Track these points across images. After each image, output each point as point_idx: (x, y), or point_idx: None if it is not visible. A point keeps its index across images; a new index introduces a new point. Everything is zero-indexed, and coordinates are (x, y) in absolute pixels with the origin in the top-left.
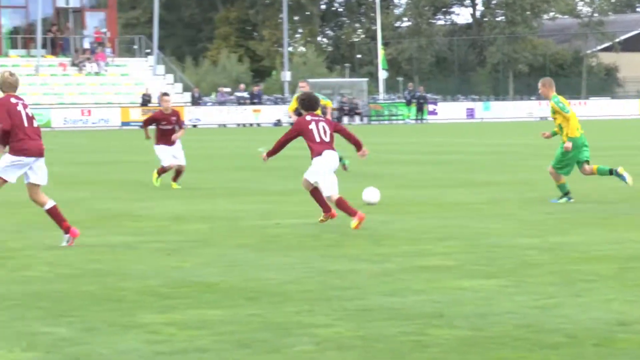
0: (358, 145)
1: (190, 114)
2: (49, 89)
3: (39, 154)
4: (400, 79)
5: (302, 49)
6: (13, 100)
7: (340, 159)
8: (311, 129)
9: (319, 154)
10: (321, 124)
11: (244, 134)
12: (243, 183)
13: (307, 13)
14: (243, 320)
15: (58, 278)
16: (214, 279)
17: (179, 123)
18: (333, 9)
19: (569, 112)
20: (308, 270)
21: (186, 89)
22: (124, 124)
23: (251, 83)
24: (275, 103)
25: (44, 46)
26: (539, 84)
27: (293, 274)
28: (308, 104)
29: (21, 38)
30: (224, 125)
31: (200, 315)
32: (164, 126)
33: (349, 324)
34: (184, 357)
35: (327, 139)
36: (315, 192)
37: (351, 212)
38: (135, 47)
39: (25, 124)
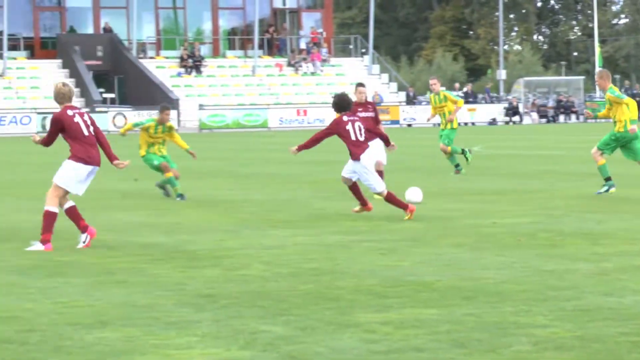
0: (386, 140)
1: (404, 114)
2: (265, 89)
3: (97, 163)
4: (617, 76)
5: (517, 47)
6: (69, 112)
7: (464, 152)
8: (348, 130)
9: (358, 157)
10: (357, 124)
11: (459, 133)
12: (457, 182)
13: (523, 11)
14: (459, 319)
15: (275, 277)
16: (430, 278)
17: (376, 116)
18: (549, 6)
19: (625, 98)
20: (524, 270)
21: (401, 88)
22: None
23: (466, 82)
24: (491, 102)
25: (260, 47)
26: (596, 77)
27: (509, 274)
28: (341, 105)
29: (238, 39)
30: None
31: (416, 314)
32: (360, 113)
33: (567, 324)
34: (400, 357)
35: (363, 138)
36: (354, 187)
37: (402, 206)
38: (351, 46)
39: (85, 134)
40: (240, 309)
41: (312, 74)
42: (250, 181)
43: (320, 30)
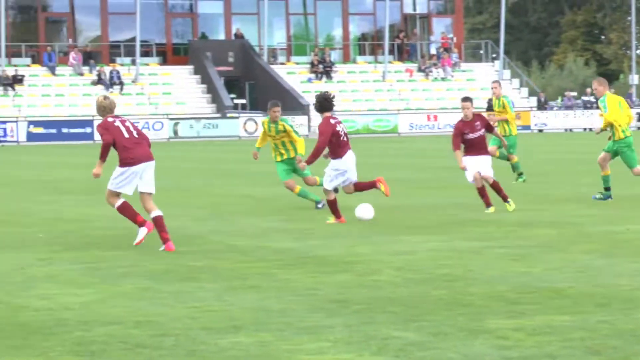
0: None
1: (535, 119)
2: (395, 94)
3: (146, 158)
4: None
5: None
6: (110, 119)
7: (520, 174)
8: (338, 131)
9: (341, 156)
10: (341, 125)
11: (591, 139)
12: (590, 188)
13: None
14: (592, 326)
15: (406, 283)
16: (562, 285)
17: (489, 128)
18: None
19: (607, 112)
20: None
21: (532, 93)
22: None
23: None
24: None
25: (391, 52)
26: (594, 83)
27: None
28: (325, 105)
29: (369, 45)
30: (570, 130)
31: (548, 320)
32: (468, 135)
33: None
34: None
35: (346, 139)
36: (334, 202)
37: (337, 215)
38: (482, 52)
39: (126, 136)
40: (372, 314)
41: (443, 79)
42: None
43: (451, 35)
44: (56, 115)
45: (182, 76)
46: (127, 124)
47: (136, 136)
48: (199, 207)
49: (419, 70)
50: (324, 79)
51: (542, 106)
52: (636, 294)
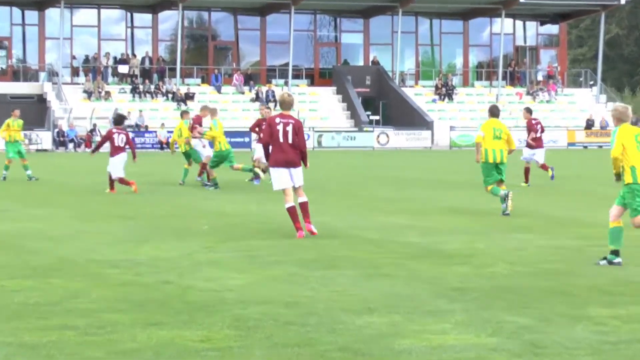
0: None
1: None
2: (507, 114)
3: (286, 165)
4: None
5: None
6: (277, 119)
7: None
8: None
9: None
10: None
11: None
12: None
13: None
14: None
15: (517, 274)
16: None
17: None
18: None
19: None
20: None
21: None
22: (570, 144)
23: None
24: None
25: (503, 78)
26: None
27: None
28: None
29: (485, 71)
30: None
31: None
32: None
33: None
34: (627, 347)
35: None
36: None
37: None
38: (581, 79)
39: (280, 140)
40: (488, 301)
41: (548, 101)
42: None
43: (556, 64)
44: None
45: (327, 95)
46: (289, 127)
47: (290, 142)
48: (341, 206)
49: (528, 93)
50: (446, 100)
51: (634, 124)
52: None
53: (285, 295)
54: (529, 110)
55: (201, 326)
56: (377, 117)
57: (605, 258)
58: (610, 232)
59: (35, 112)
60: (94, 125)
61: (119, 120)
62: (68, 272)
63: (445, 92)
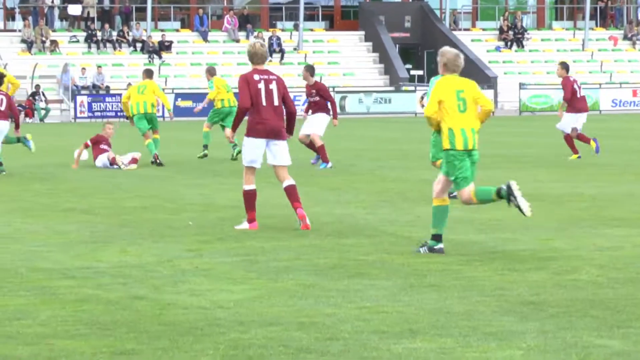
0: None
1: None
2: (596, 66)
3: (267, 135)
4: None
5: None
6: (256, 76)
7: None
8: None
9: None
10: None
11: None
12: None
13: None
14: None
15: (610, 283)
16: None
17: None
18: None
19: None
20: None
21: None
22: None
23: None
24: None
25: (592, 17)
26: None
27: None
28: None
29: (567, 8)
30: None
31: None
32: None
33: None
34: None
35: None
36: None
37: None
38: None
39: (263, 103)
40: (570, 319)
41: None
42: (577, 172)
43: None
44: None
45: (351, 43)
46: (272, 85)
47: (275, 105)
48: (370, 194)
49: (625, 38)
50: (514, 47)
51: None
52: None
53: (298, 314)
54: (564, 66)
55: (187, 355)
56: (420, 72)
57: (424, 244)
58: (433, 211)
59: None
60: (37, 87)
61: None
62: (5, 286)
63: (513, 37)
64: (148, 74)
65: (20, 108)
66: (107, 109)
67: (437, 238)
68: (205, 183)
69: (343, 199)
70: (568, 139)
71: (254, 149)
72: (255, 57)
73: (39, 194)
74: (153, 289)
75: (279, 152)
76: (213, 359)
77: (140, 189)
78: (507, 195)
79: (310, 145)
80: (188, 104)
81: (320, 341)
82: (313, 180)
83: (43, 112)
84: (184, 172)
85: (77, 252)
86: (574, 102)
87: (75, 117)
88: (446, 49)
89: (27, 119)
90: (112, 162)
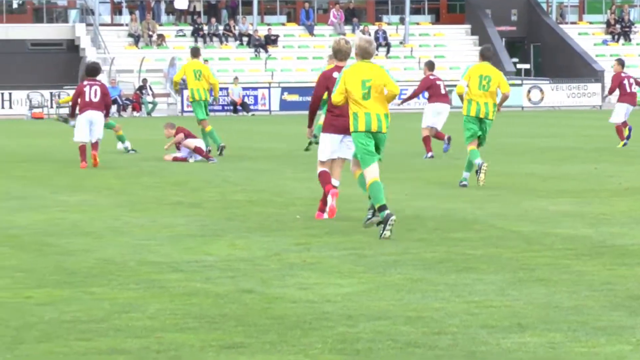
0: None
1: None
2: None
3: (345, 131)
4: None
5: None
6: (335, 74)
7: None
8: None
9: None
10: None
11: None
12: None
13: None
14: None
15: None
16: None
17: None
18: None
19: None
20: None
21: None
22: None
23: None
24: None
25: None
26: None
27: None
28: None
29: None
30: None
31: None
32: None
33: None
34: None
35: None
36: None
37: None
38: None
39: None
40: None
41: None
42: None
43: None
44: (314, 82)
45: (458, 37)
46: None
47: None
48: (477, 188)
49: None
50: (622, 41)
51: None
52: None
53: (406, 308)
54: (620, 62)
55: (294, 349)
56: (526, 66)
57: (370, 218)
58: (370, 189)
59: (65, 63)
60: (144, 81)
61: (91, 71)
62: (115, 279)
63: (620, 30)
64: (194, 53)
65: (127, 102)
66: (213, 103)
67: (383, 208)
68: (313, 177)
69: (448, 193)
70: (619, 129)
71: (330, 144)
72: (339, 53)
73: (147, 188)
74: (261, 283)
75: (350, 147)
76: (321, 352)
77: (247, 182)
78: (379, 222)
79: (436, 136)
80: (294, 97)
81: (428, 335)
82: (418, 175)
83: (150, 105)
84: (291, 165)
85: (185, 245)
86: (623, 95)
87: (182, 110)
88: (359, 36)
89: (135, 113)
90: (196, 151)
